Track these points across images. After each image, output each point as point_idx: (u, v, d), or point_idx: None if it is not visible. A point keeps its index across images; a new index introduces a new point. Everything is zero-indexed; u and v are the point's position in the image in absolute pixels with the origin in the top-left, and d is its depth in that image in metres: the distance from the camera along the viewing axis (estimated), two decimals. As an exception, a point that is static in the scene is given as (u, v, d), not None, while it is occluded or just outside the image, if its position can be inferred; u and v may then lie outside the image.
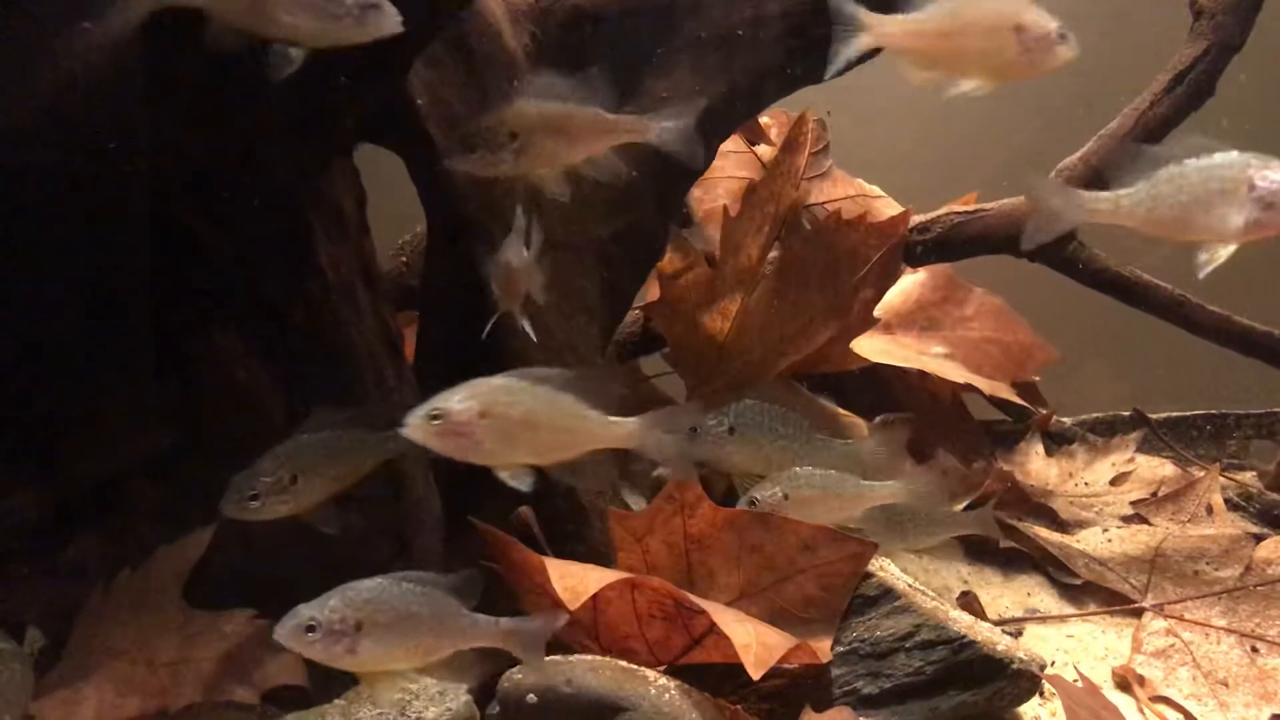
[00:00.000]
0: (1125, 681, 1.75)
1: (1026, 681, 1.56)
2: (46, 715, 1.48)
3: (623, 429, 1.41)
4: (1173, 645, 1.80)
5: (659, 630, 1.53)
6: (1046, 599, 2.01)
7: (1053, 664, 1.78)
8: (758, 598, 1.59)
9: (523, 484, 1.39)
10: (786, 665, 1.50)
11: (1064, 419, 2.60)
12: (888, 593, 1.58)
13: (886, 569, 1.62)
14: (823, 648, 1.54)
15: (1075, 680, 1.69)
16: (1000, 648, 1.55)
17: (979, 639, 1.54)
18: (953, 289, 2.53)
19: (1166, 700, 1.70)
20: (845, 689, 1.54)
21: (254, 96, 1.49)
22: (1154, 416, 2.62)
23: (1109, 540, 2.12)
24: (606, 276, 1.82)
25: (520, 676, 1.42)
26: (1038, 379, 2.56)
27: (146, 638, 1.53)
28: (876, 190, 2.55)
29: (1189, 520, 2.14)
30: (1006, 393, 2.44)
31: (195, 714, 1.49)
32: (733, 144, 2.42)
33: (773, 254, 2.10)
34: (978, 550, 2.14)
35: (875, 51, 1.89)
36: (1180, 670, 1.75)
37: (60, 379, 1.59)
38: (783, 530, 1.59)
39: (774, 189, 2.10)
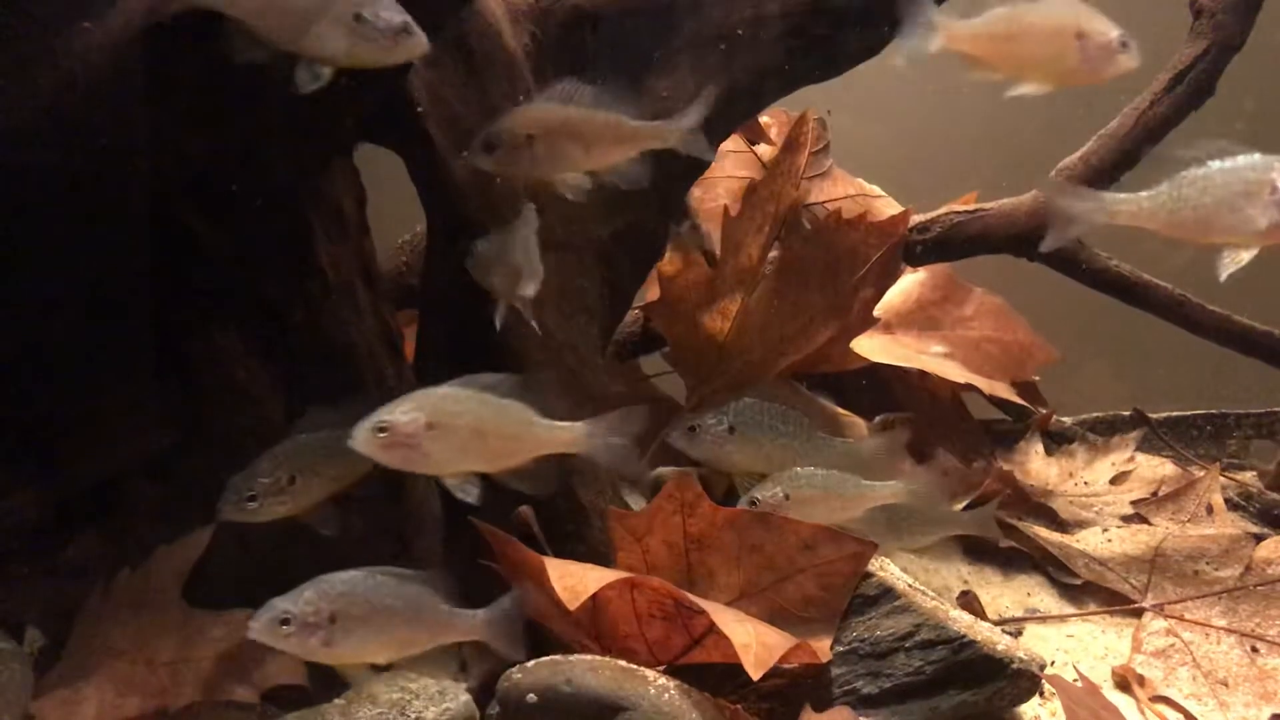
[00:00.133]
0: (1125, 681, 1.75)
1: (1026, 681, 1.56)
2: (46, 715, 1.48)
3: (568, 433, 1.43)
4: (1173, 645, 1.80)
5: (659, 630, 1.53)
6: (1046, 599, 2.01)
7: (1053, 664, 1.78)
8: (758, 597, 1.59)
9: (469, 495, 1.39)
10: (786, 665, 1.50)
11: (1064, 418, 2.60)
12: (887, 592, 1.58)
13: (886, 568, 1.62)
14: (822, 647, 1.54)
15: (1075, 680, 1.69)
16: (1000, 647, 1.55)
17: (979, 639, 1.54)
18: (953, 288, 2.52)
19: (1166, 700, 1.70)
20: (845, 689, 1.54)
21: (254, 96, 1.50)
22: (1154, 416, 2.62)
23: (1109, 540, 2.12)
24: (606, 276, 1.82)
25: (520, 676, 1.42)
26: (1037, 378, 2.56)
27: (146, 637, 1.53)
28: (876, 190, 2.55)
29: (1189, 520, 2.14)
30: (1006, 392, 2.44)
31: (195, 713, 1.49)
32: (733, 143, 2.42)
33: (773, 253, 2.10)
34: (978, 550, 2.14)
35: (878, 50, 1.91)
36: (1180, 670, 1.75)
37: (60, 379, 1.59)
38: (783, 530, 1.59)
39: (774, 189, 2.09)
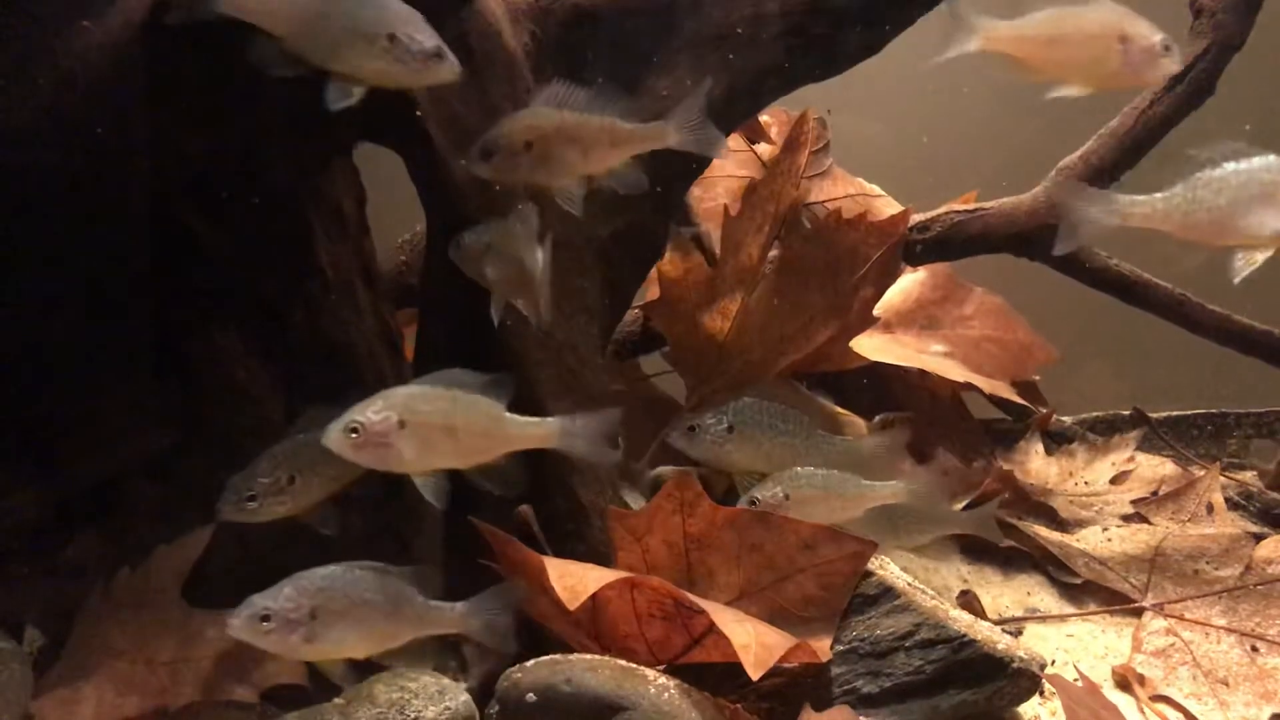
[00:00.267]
0: (1125, 681, 1.75)
1: (1026, 681, 1.55)
2: (46, 714, 1.48)
3: (542, 429, 1.44)
4: (1173, 644, 1.80)
5: (659, 629, 1.53)
6: (1046, 598, 2.01)
7: (1053, 663, 1.78)
8: (757, 597, 1.59)
9: (438, 498, 1.39)
10: (786, 664, 1.50)
11: (1064, 418, 2.60)
12: (887, 591, 1.58)
13: (886, 568, 1.62)
14: (822, 647, 1.54)
15: (1075, 679, 1.69)
16: (1000, 647, 1.55)
17: (979, 638, 1.54)
18: (952, 288, 2.52)
19: (1166, 699, 1.70)
20: (845, 688, 1.54)
21: (254, 96, 1.50)
22: (1154, 415, 2.62)
23: (1109, 539, 2.12)
24: (606, 275, 1.82)
25: (520, 675, 1.42)
26: (1038, 378, 2.56)
27: (146, 637, 1.53)
28: (876, 189, 2.54)
29: (1189, 519, 2.14)
30: (1006, 391, 2.44)
31: (195, 713, 1.49)
32: (733, 142, 2.42)
33: (773, 253, 2.10)
34: (978, 549, 2.14)
35: (878, 49, 1.91)
36: (1180, 669, 1.75)
37: (60, 379, 1.59)
38: (782, 529, 1.59)
39: (774, 188, 2.09)
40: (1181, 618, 1.85)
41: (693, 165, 1.90)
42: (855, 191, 2.49)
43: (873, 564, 1.59)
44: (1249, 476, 2.41)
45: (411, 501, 1.65)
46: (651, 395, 2.35)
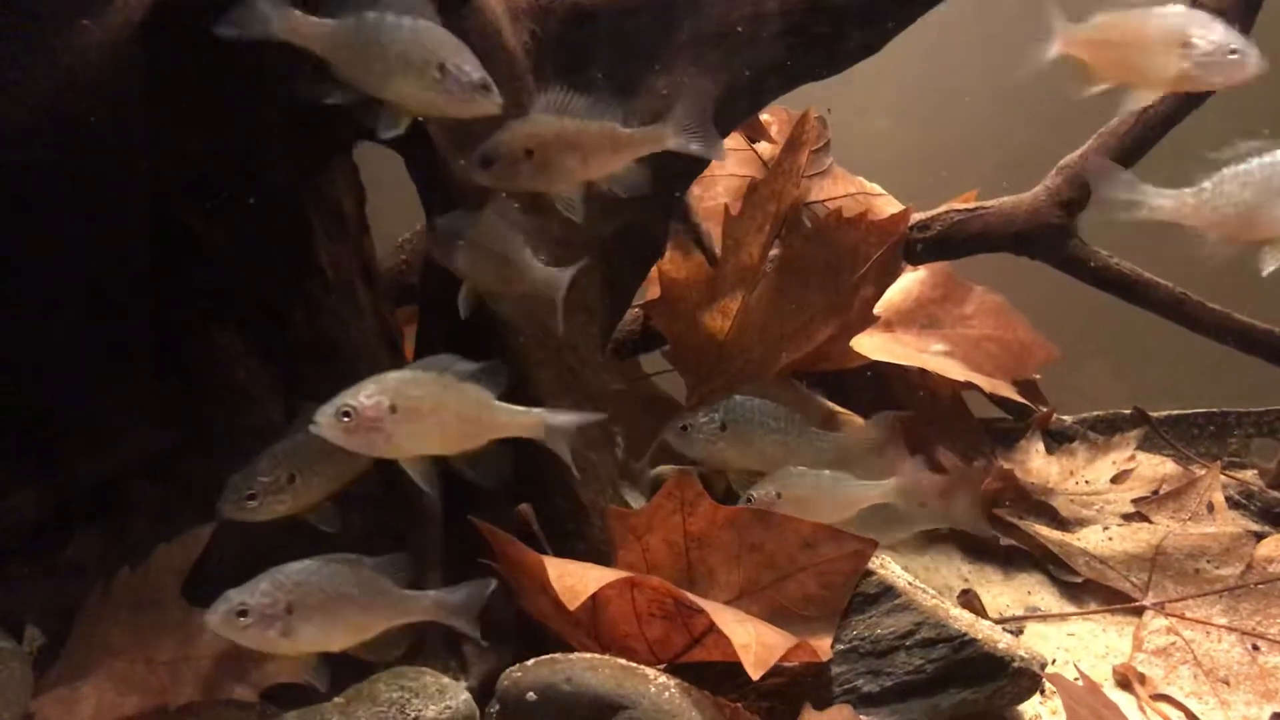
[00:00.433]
0: (1126, 680, 1.75)
1: (1027, 680, 1.55)
2: (46, 713, 1.48)
3: (528, 419, 1.45)
4: (1174, 643, 1.80)
5: (659, 629, 1.53)
6: (1047, 597, 2.01)
7: (1053, 662, 1.78)
8: (758, 596, 1.59)
9: (427, 483, 1.41)
10: (787, 663, 1.50)
11: (1064, 417, 2.60)
12: (888, 590, 1.58)
13: (887, 566, 1.62)
14: (823, 646, 1.54)
15: (1076, 678, 1.68)
16: (1001, 646, 1.54)
17: (979, 637, 1.54)
18: (953, 287, 2.52)
19: (1167, 698, 1.70)
20: (845, 687, 1.54)
21: (254, 96, 1.50)
22: (1155, 414, 2.62)
23: (1110, 538, 2.12)
24: (606, 275, 1.82)
25: (520, 674, 1.42)
26: (1038, 377, 2.56)
27: (146, 636, 1.53)
28: (877, 188, 2.55)
29: (1190, 518, 2.14)
30: (1007, 390, 2.44)
31: (194, 712, 1.49)
32: (733, 141, 2.42)
33: (773, 252, 2.10)
34: (978, 548, 2.14)
35: (879, 47, 1.91)
36: (1181, 668, 1.75)
37: (60, 379, 1.59)
38: (783, 528, 1.59)
39: (775, 188, 2.09)
40: (1182, 617, 1.85)
41: (693, 165, 1.90)
42: (856, 190, 2.49)
43: (873, 563, 1.59)
44: (1250, 475, 2.41)
45: (411, 500, 1.65)
46: (651, 394, 2.35)
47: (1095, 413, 2.64)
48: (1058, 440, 2.53)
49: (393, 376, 1.38)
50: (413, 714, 1.40)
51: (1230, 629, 1.81)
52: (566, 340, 1.74)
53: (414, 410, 1.37)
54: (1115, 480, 2.36)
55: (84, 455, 1.65)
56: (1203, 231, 1.53)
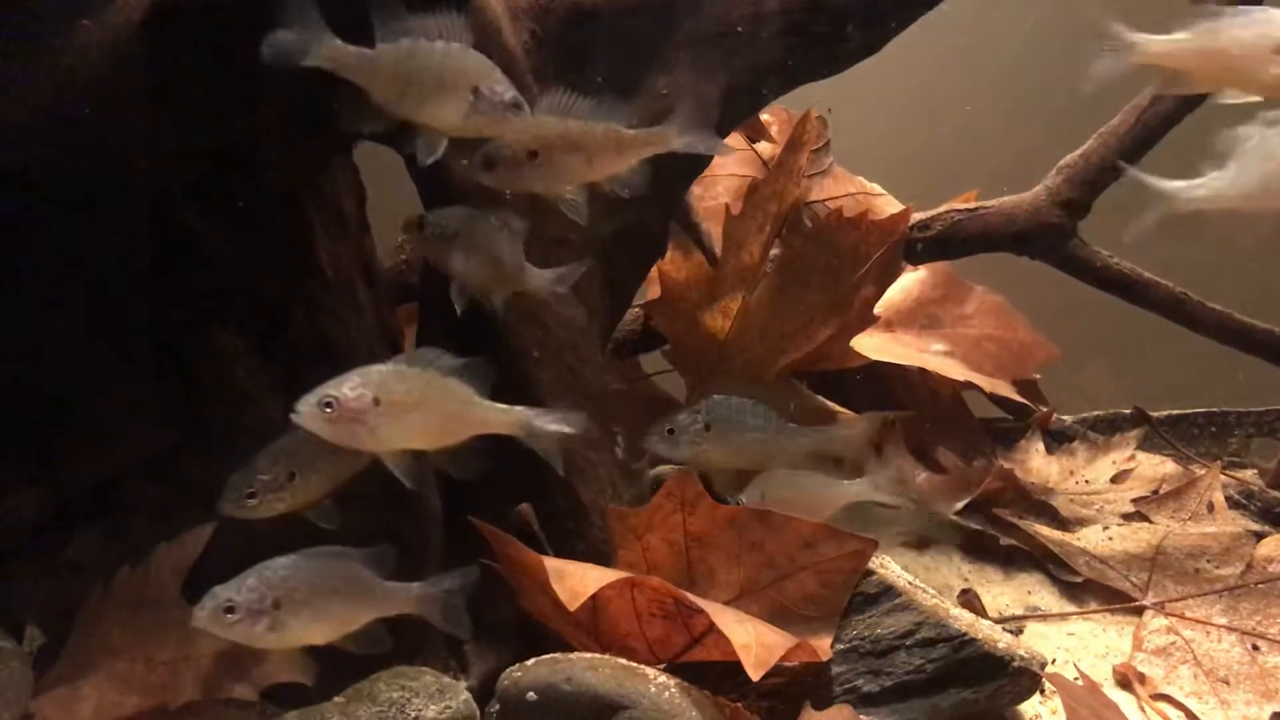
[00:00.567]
0: (1126, 679, 1.75)
1: (1027, 679, 1.55)
2: (46, 713, 1.48)
3: (508, 416, 1.45)
4: (1173, 643, 1.80)
5: (659, 629, 1.53)
6: (1047, 597, 2.01)
7: (1053, 662, 1.78)
8: (758, 595, 1.59)
9: (408, 478, 1.41)
10: (787, 663, 1.50)
11: (1064, 417, 2.60)
12: (888, 590, 1.58)
13: (887, 566, 1.62)
14: (823, 645, 1.54)
15: (1076, 678, 1.68)
16: (1001, 646, 1.54)
17: (980, 637, 1.54)
18: (953, 287, 2.53)
19: (1167, 698, 1.70)
20: (846, 687, 1.54)
21: (254, 96, 1.49)
22: (1155, 414, 2.62)
23: (1110, 538, 2.12)
24: (606, 274, 1.82)
25: (520, 674, 1.42)
26: (1038, 377, 2.56)
27: (146, 636, 1.53)
28: (877, 188, 2.55)
29: (1190, 518, 2.14)
30: (1007, 390, 2.44)
31: (194, 712, 1.49)
32: (733, 141, 2.42)
33: (773, 252, 2.10)
34: (978, 548, 2.14)
35: (879, 47, 1.91)
36: (1181, 668, 1.75)
37: (61, 379, 1.59)
38: (783, 528, 1.59)
39: (776, 188, 2.09)
40: (1182, 616, 1.85)
41: (693, 164, 1.90)
42: (856, 190, 2.49)
43: (873, 562, 1.59)
44: (1250, 475, 2.41)
45: (411, 500, 1.65)
46: (651, 394, 2.35)
47: (1095, 413, 2.64)
48: (1058, 440, 2.53)
49: (377, 370, 1.39)
50: (413, 713, 1.40)
51: (1230, 629, 1.81)
52: (566, 339, 1.74)
53: (397, 404, 1.38)
54: (1115, 480, 2.36)
55: (84, 455, 1.65)
56: (1240, 211, 1.55)
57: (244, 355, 1.63)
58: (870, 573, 1.58)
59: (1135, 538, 2.10)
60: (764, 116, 2.46)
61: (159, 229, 1.54)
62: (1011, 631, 1.76)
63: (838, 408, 2.21)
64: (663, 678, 1.41)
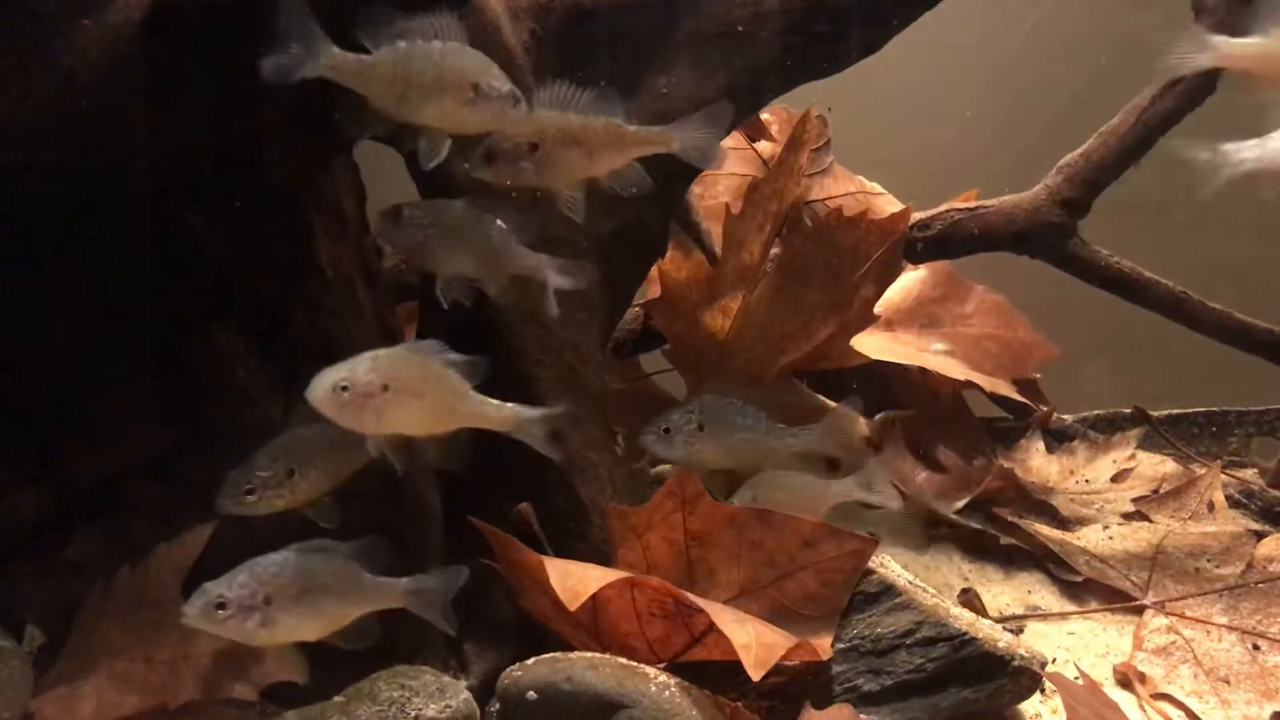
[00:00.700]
0: (1126, 679, 1.75)
1: (1027, 679, 1.55)
2: (45, 712, 1.48)
3: (501, 413, 1.47)
4: (1174, 642, 1.80)
5: (659, 628, 1.53)
6: (1047, 596, 2.01)
7: (1054, 661, 1.78)
8: (758, 594, 1.59)
9: (400, 461, 1.43)
10: (787, 662, 1.50)
11: (1065, 416, 2.60)
12: (888, 589, 1.58)
13: (887, 565, 1.62)
14: (823, 645, 1.54)
15: (1076, 678, 1.68)
16: (1001, 645, 1.54)
17: (980, 636, 1.54)
18: (953, 286, 2.52)
19: (1168, 698, 1.70)
20: (846, 686, 1.54)
21: (254, 96, 1.49)
22: (1155, 414, 2.62)
23: (1110, 537, 2.12)
24: (606, 273, 1.82)
25: (520, 674, 1.42)
26: (1038, 376, 2.56)
27: (146, 635, 1.53)
28: (877, 187, 2.54)
29: (1190, 517, 2.14)
30: (1007, 390, 2.44)
31: (194, 711, 1.49)
32: (733, 140, 2.42)
33: (774, 251, 2.10)
34: (979, 547, 2.14)
35: (879, 47, 1.91)
36: (1181, 668, 1.75)
37: (61, 379, 1.59)
38: (783, 527, 1.59)
39: (776, 187, 2.09)
40: (1183, 616, 1.85)
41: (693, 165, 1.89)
42: (856, 189, 2.49)
43: (873, 562, 1.59)
44: (1250, 474, 2.41)
45: (411, 499, 1.66)
46: (651, 394, 2.35)
47: (1095, 412, 2.64)
48: (1058, 439, 2.53)
49: (385, 354, 1.41)
50: (413, 713, 1.40)
51: (1230, 628, 1.81)
52: (566, 339, 1.74)
53: (404, 390, 1.39)
54: (1115, 479, 2.36)
55: (84, 455, 1.65)
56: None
57: (244, 355, 1.63)
58: (870, 572, 1.58)
59: (1135, 537, 2.10)
60: (764, 115, 2.46)
61: (159, 229, 1.54)
62: (1012, 631, 1.76)
63: (830, 403, 2.21)
64: (663, 677, 1.41)
